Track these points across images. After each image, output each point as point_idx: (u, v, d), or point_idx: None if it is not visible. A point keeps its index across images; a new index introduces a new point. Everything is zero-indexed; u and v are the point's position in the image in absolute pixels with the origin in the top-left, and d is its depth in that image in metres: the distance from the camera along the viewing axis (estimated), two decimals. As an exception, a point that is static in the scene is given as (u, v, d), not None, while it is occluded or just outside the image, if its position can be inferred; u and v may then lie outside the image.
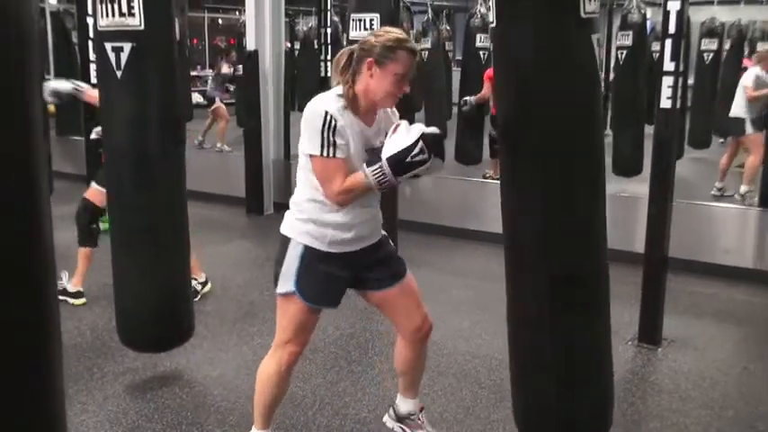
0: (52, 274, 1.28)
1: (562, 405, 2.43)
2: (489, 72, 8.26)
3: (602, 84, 9.96)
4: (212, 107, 9.90)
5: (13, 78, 1.15)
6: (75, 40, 7.83)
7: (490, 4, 2.26)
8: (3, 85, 1.13)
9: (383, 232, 2.68)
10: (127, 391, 3.42)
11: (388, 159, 2.32)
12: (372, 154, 2.41)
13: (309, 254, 2.49)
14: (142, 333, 3.36)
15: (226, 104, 10.25)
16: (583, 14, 2.17)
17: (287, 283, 2.51)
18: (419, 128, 2.34)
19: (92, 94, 4.09)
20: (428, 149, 2.31)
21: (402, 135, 2.33)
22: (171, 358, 3.73)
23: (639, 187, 7.22)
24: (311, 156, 2.39)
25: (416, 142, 2.30)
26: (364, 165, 2.37)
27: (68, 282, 4.48)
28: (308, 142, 2.39)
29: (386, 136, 2.42)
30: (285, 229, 2.55)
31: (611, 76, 10.14)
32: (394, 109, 2.57)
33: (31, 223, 1.21)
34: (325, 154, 2.35)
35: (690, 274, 5.05)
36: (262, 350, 3.84)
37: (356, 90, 2.41)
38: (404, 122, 2.40)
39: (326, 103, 2.40)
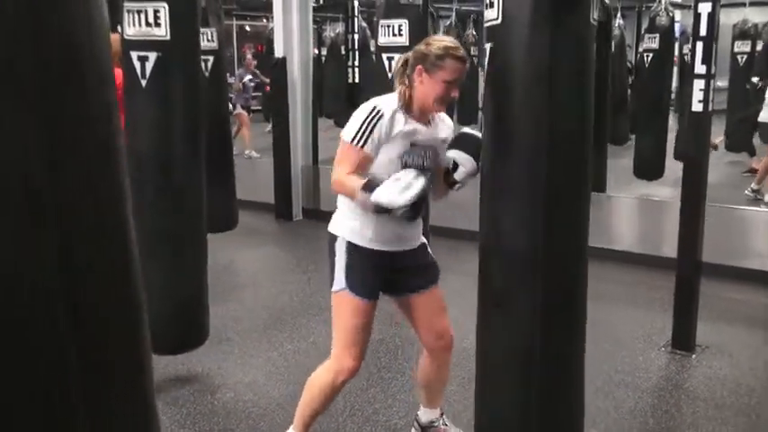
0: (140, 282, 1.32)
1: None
2: None
3: (628, 87, 9.91)
4: (234, 113, 10.05)
5: (104, 117, 1.19)
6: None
7: (492, 0, 2.16)
8: (102, 135, 1.18)
9: (423, 239, 2.73)
10: (159, 396, 3.44)
11: (375, 202, 2.32)
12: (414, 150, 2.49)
13: (353, 249, 2.55)
14: (159, 336, 3.38)
15: (253, 111, 10.35)
16: (592, 20, 2.15)
17: (338, 280, 2.57)
18: (415, 192, 2.28)
19: None
20: (412, 207, 2.31)
21: (398, 190, 2.29)
22: (202, 364, 3.75)
23: (662, 190, 7.19)
24: (342, 142, 2.48)
25: (406, 205, 2.28)
26: (362, 182, 2.36)
27: None
28: (346, 129, 2.49)
29: (444, 139, 2.58)
30: (332, 226, 2.63)
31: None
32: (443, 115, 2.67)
33: (124, 248, 1.26)
34: (354, 142, 2.44)
35: (723, 279, 4.97)
36: (293, 356, 3.88)
37: (411, 93, 2.51)
38: (407, 174, 2.34)
39: (381, 100, 2.51)
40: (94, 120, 1.17)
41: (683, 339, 3.97)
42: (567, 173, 2.20)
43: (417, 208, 2.34)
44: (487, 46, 2.24)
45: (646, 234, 5.76)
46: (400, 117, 2.49)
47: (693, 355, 3.93)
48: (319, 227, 6.67)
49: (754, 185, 7.44)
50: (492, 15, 2.17)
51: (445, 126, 2.66)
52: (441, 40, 2.52)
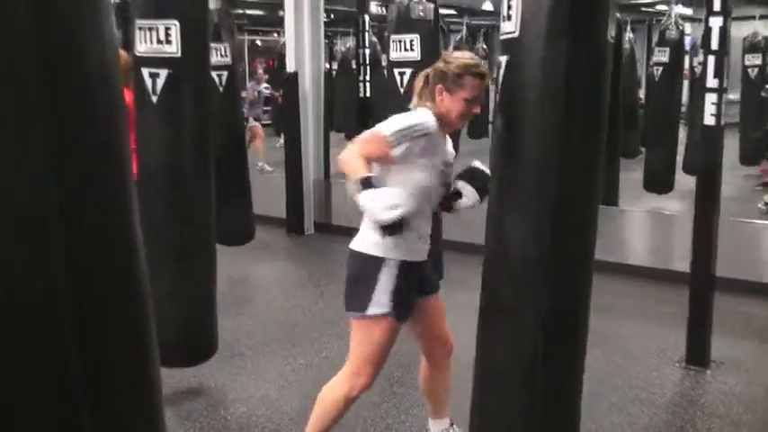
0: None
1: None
2: None
3: (639, 100, 9.89)
4: (247, 127, 10.12)
5: (109, 118, 1.21)
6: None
7: (510, 12, 2.15)
8: (109, 140, 1.20)
9: None
10: (172, 410, 3.44)
11: (362, 206, 2.29)
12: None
13: (402, 269, 2.49)
14: (168, 349, 3.39)
15: (263, 125, 10.41)
16: (609, 38, 2.16)
17: (380, 304, 2.48)
18: (396, 215, 2.25)
19: None
20: (389, 227, 2.27)
21: (381, 206, 2.25)
22: (215, 378, 3.75)
23: (671, 204, 7.16)
24: (377, 131, 2.41)
25: (385, 223, 2.25)
26: (361, 176, 2.30)
27: None
28: (387, 123, 2.43)
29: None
30: (367, 248, 2.51)
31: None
32: None
33: (130, 248, 1.27)
34: (388, 137, 2.38)
35: (737, 294, 4.94)
36: (305, 370, 3.87)
37: (436, 108, 2.52)
38: (396, 199, 2.28)
39: (429, 117, 2.46)
40: (99, 120, 1.18)
41: (698, 355, 3.95)
42: (578, 186, 2.19)
43: (394, 229, 2.28)
44: (502, 58, 2.24)
45: (658, 248, 5.74)
46: (438, 134, 2.51)
47: (708, 371, 3.90)
48: (331, 241, 6.74)
49: (767, 198, 7.42)
50: (509, 28, 2.17)
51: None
52: (459, 58, 2.53)
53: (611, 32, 2.18)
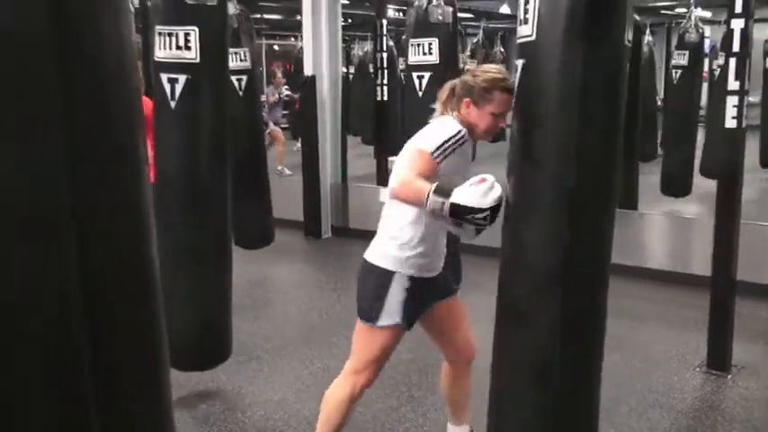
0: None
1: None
2: None
3: (657, 103, 9.81)
4: (267, 130, 10.18)
5: (128, 135, 1.22)
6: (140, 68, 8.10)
7: (527, 16, 2.14)
8: (123, 143, 1.21)
9: None
10: (190, 414, 3.46)
11: (453, 204, 2.22)
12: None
13: (414, 284, 2.51)
14: (183, 353, 3.41)
15: (281, 128, 10.45)
16: (626, 41, 2.15)
17: (391, 316, 2.51)
18: (498, 194, 2.23)
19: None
20: (491, 219, 2.24)
21: (480, 192, 2.22)
22: (232, 382, 3.76)
23: (689, 207, 7.10)
24: (420, 150, 2.40)
25: (487, 209, 2.21)
26: (433, 186, 2.26)
27: None
28: (424, 141, 2.43)
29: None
30: (379, 260, 2.52)
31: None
32: None
33: (141, 258, 1.27)
34: (434, 154, 2.38)
35: (758, 298, 4.89)
36: (322, 374, 3.87)
37: (463, 121, 2.50)
38: (491, 179, 2.27)
39: (458, 124, 2.47)
40: (115, 123, 1.19)
41: (719, 359, 3.91)
42: (594, 190, 2.18)
43: (496, 214, 2.24)
44: (519, 62, 2.23)
45: (678, 251, 5.70)
46: (469, 144, 2.51)
47: (729, 376, 3.86)
48: (348, 245, 6.74)
49: None
50: (526, 32, 2.16)
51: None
52: (487, 71, 2.50)
53: (629, 36, 2.17)
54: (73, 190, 1.10)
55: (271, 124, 10.37)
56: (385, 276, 2.50)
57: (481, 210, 2.19)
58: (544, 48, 2.14)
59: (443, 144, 2.39)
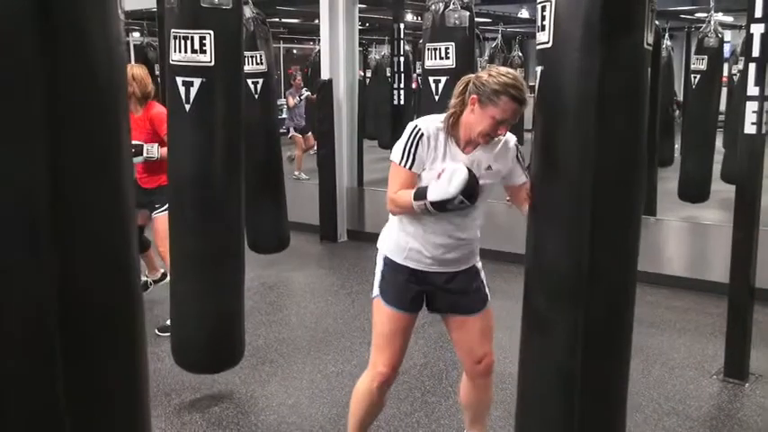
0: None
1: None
2: None
3: (674, 109, 9.72)
4: (290, 135, 10.25)
5: (107, 139, 1.21)
6: (157, 72, 8.12)
7: (544, 23, 2.14)
8: (93, 118, 1.18)
9: (476, 266, 2.72)
10: (203, 417, 3.46)
11: (432, 203, 2.40)
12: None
13: (389, 263, 2.67)
14: (196, 357, 3.41)
15: (302, 133, 10.45)
16: (645, 45, 2.12)
17: (374, 288, 2.71)
18: (461, 178, 2.34)
19: (165, 153, 4.28)
20: (468, 197, 2.37)
21: (444, 184, 2.37)
22: (246, 385, 3.76)
23: (707, 213, 7.03)
24: (392, 163, 2.56)
25: (456, 195, 2.35)
26: (413, 192, 2.46)
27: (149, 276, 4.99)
28: (393, 149, 2.56)
29: (489, 166, 2.55)
30: (378, 241, 2.76)
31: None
32: (509, 137, 2.61)
33: (124, 267, 1.27)
34: (401, 163, 2.51)
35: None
36: (336, 378, 3.86)
37: (460, 119, 2.50)
38: (448, 168, 2.40)
39: (422, 120, 2.56)
40: (100, 138, 1.19)
41: (736, 367, 3.86)
42: (616, 197, 2.17)
43: (471, 193, 2.36)
44: (538, 69, 2.23)
45: (695, 258, 5.64)
46: (442, 139, 2.50)
47: (747, 384, 3.82)
48: (364, 249, 6.73)
49: None
50: (543, 38, 2.15)
51: (501, 156, 2.57)
52: (503, 75, 2.42)
53: (649, 39, 2.14)
54: (54, 197, 1.11)
55: (291, 130, 10.39)
56: (376, 252, 2.76)
57: (451, 199, 2.35)
58: (561, 54, 2.14)
59: (403, 149, 2.51)
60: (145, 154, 4.34)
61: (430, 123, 2.52)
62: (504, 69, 2.53)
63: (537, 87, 2.23)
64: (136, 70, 4.52)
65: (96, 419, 1.22)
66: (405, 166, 2.50)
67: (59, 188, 1.11)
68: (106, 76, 1.18)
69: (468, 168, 2.38)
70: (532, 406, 2.37)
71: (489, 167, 2.54)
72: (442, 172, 2.38)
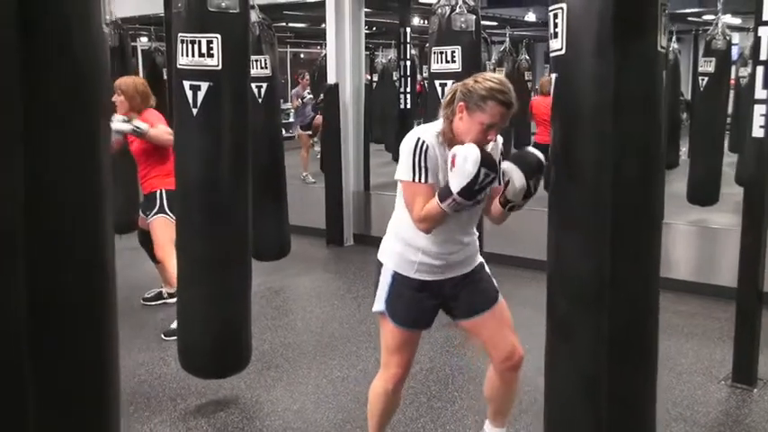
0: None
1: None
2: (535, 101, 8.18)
3: (684, 111, 9.70)
4: (296, 134, 10.28)
5: (81, 119, 1.19)
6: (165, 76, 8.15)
7: (556, 30, 2.15)
8: (71, 125, 1.18)
9: (480, 259, 2.72)
10: (209, 422, 3.45)
11: (459, 192, 2.32)
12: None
13: (398, 280, 2.60)
14: (201, 361, 3.41)
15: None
16: (659, 48, 2.11)
17: (379, 302, 2.64)
18: (475, 156, 2.29)
19: (154, 134, 4.29)
20: (491, 170, 2.31)
21: (460, 168, 2.31)
22: (251, 390, 3.75)
23: (716, 217, 6.99)
24: (401, 181, 2.50)
25: (479, 171, 2.29)
26: (436, 196, 2.39)
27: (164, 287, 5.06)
28: (400, 168, 2.49)
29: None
30: (380, 254, 2.69)
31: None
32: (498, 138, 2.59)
33: (97, 264, 1.25)
34: (415, 179, 2.45)
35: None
36: (342, 383, 3.85)
37: (452, 127, 2.47)
38: (458, 149, 2.35)
39: (421, 131, 2.50)
40: (78, 143, 1.18)
41: (745, 373, 3.83)
42: (635, 202, 2.18)
43: (489, 164, 2.30)
44: (553, 76, 2.24)
45: (704, 262, 5.61)
46: (441, 150, 2.47)
47: (755, 390, 3.79)
48: (370, 253, 6.65)
49: None
50: (556, 45, 2.16)
51: (494, 155, 2.55)
52: (489, 80, 2.41)
53: (662, 42, 2.13)
54: (27, 222, 1.10)
55: (297, 128, 10.37)
56: (378, 266, 2.68)
57: (476, 177, 2.28)
58: (575, 61, 2.16)
59: (412, 165, 2.45)
60: (131, 129, 4.24)
61: (428, 133, 2.48)
62: (489, 75, 2.52)
63: (552, 94, 2.25)
64: (124, 82, 4.50)
65: (64, 419, 1.21)
66: (420, 180, 2.44)
67: (36, 192, 1.10)
68: (87, 82, 1.18)
69: (473, 144, 2.34)
70: (559, 410, 2.39)
71: None
72: (454, 159, 2.33)
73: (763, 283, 3.82)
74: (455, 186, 2.32)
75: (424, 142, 2.44)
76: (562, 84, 2.20)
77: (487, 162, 2.30)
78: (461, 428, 3.35)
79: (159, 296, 5.16)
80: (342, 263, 6.59)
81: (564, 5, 2.12)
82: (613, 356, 2.20)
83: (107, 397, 1.30)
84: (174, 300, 4.85)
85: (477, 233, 2.71)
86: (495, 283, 2.75)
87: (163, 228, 4.48)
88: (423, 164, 2.43)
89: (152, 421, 3.44)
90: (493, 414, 2.91)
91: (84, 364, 1.24)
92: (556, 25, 2.15)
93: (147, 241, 4.84)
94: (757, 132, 3.70)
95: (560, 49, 2.15)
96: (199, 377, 3.57)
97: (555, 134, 2.26)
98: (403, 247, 2.58)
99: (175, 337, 4.53)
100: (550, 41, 2.20)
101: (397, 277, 2.60)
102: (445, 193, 2.36)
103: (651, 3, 2.08)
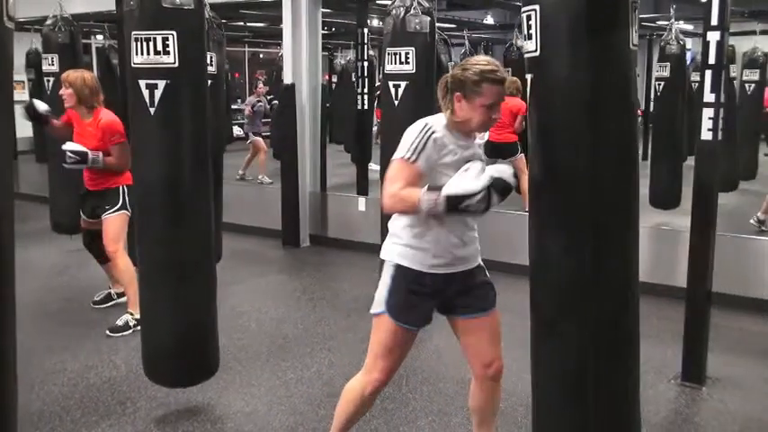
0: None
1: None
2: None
3: (640, 116, 9.88)
4: (249, 141, 10.27)
5: None
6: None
7: (530, 32, 2.17)
8: None
9: (480, 262, 2.70)
10: (158, 426, 3.39)
11: (447, 196, 2.30)
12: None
13: (400, 273, 2.56)
14: (167, 367, 3.35)
15: (263, 137, 10.44)
16: (631, 46, 2.14)
17: (379, 303, 2.60)
18: (489, 176, 2.30)
19: (56, 124, 4.58)
20: (489, 199, 2.29)
21: (471, 177, 2.31)
22: (203, 393, 3.70)
23: (678, 220, 7.09)
24: (395, 159, 2.46)
25: (481, 192, 2.27)
26: (425, 188, 2.36)
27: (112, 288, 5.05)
28: (398, 150, 2.46)
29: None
30: (383, 253, 2.65)
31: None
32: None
33: None
34: (407, 157, 2.43)
35: (736, 310, 4.90)
36: (295, 385, 3.82)
37: (455, 116, 2.50)
38: (479, 164, 2.39)
39: (431, 118, 2.51)
40: None
41: (694, 371, 3.89)
42: (614, 198, 2.22)
43: (490, 198, 2.29)
44: (528, 76, 2.27)
45: (659, 263, 5.68)
46: (450, 138, 2.49)
47: (704, 388, 3.84)
48: (326, 254, 6.70)
49: (759, 215, 7.29)
50: (530, 47, 2.18)
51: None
52: (476, 64, 2.47)
53: (634, 40, 2.16)
54: None
55: (251, 135, 10.35)
56: (381, 265, 2.62)
57: (476, 193, 2.26)
58: (549, 62, 2.20)
59: (412, 143, 2.44)
60: (90, 163, 4.30)
61: (437, 120, 2.50)
62: (474, 59, 2.55)
63: (528, 95, 2.28)
64: (72, 75, 4.46)
65: None
66: (411, 160, 2.42)
67: None
68: None
69: (511, 169, 2.37)
70: (546, 410, 2.42)
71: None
72: (470, 167, 2.34)
73: (711, 282, 3.88)
74: (450, 188, 2.30)
75: (431, 128, 2.45)
76: (537, 84, 2.23)
77: (500, 190, 2.30)
78: (414, 430, 3.34)
79: (109, 298, 5.06)
80: (297, 264, 6.55)
81: (537, 7, 2.14)
82: (598, 351, 2.24)
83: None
84: (124, 299, 4.78)
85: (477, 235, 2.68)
86: (493, 292, 2.72)
87: (122, 223, 4.51)
88: (421, 147, 2.42)
89: (100, 425, 3.37)
90: (477, 425, 2.88)
91: None
92: (530, 27, 2.17)
93: (92, 243, 4.77)
94: (705, 135, 3.76)
95: (534, 51, 2.17)
96: (164, 386, 3.52)
97: (532, 135, 2.29)
98: (405, 247, 2.56)
99: (121, 334, 4.47)
100: (524, 43, 2.23)
101: (398, 272, 2.56)
102: (434, 189, 2.34)
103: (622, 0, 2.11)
